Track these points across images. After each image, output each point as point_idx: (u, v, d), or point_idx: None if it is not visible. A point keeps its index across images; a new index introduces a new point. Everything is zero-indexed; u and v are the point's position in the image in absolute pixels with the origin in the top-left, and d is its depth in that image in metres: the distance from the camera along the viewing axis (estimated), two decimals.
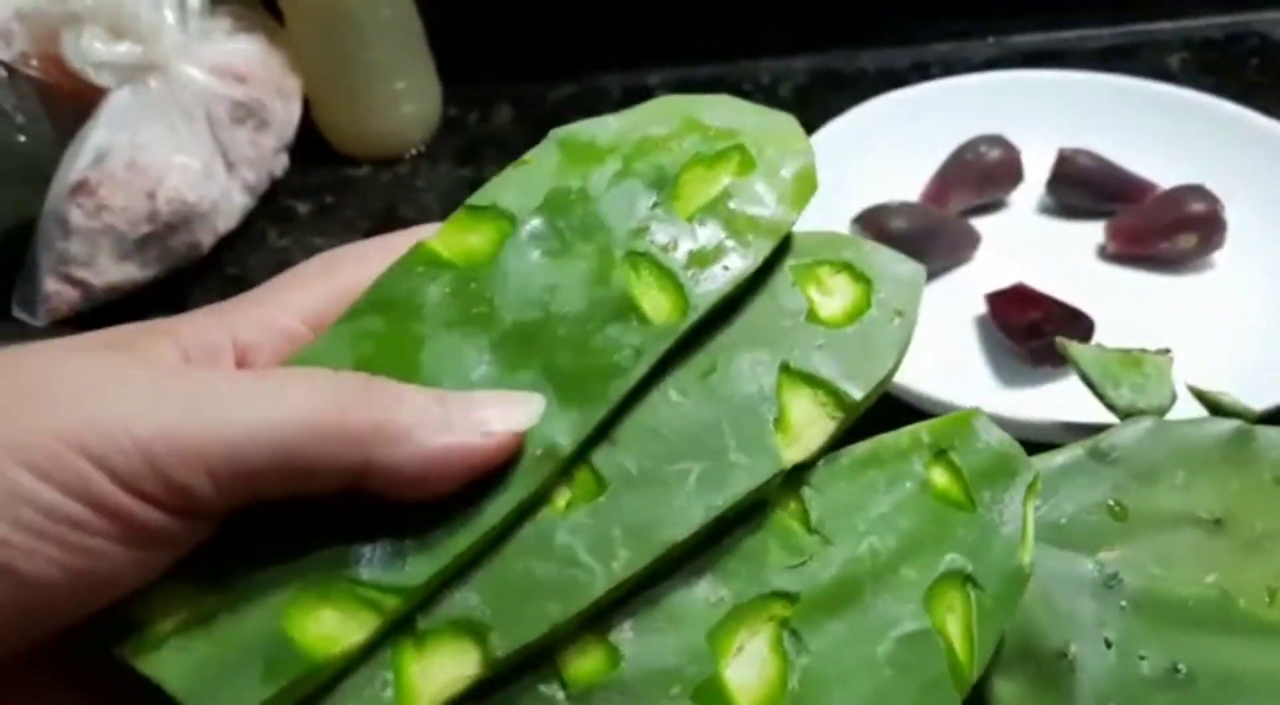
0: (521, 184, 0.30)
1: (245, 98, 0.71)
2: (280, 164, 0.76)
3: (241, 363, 0.27)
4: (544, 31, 0.86)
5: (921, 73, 0.82)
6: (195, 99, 0.69)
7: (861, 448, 0.31)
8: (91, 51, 0.65)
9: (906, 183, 0.68)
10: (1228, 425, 0.45)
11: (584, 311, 0.29)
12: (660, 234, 0.30)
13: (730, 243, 0.30)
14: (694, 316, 0.29)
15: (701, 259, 0.30)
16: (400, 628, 0.26)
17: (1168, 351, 0.48)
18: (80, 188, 0.64)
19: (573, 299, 0.29)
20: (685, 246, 0.30)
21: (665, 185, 0.31)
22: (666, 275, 0.29)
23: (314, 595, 0.25)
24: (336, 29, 0.75)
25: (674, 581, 0.28)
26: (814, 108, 0.76)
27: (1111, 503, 0.43)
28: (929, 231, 0.64)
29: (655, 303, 0.29)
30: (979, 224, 0.67)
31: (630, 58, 0.86)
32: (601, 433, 0.28)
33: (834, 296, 0.32)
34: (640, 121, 0.32)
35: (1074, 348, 0.48)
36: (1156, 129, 0.69)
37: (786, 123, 0.33)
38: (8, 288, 0.68)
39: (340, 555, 0.26)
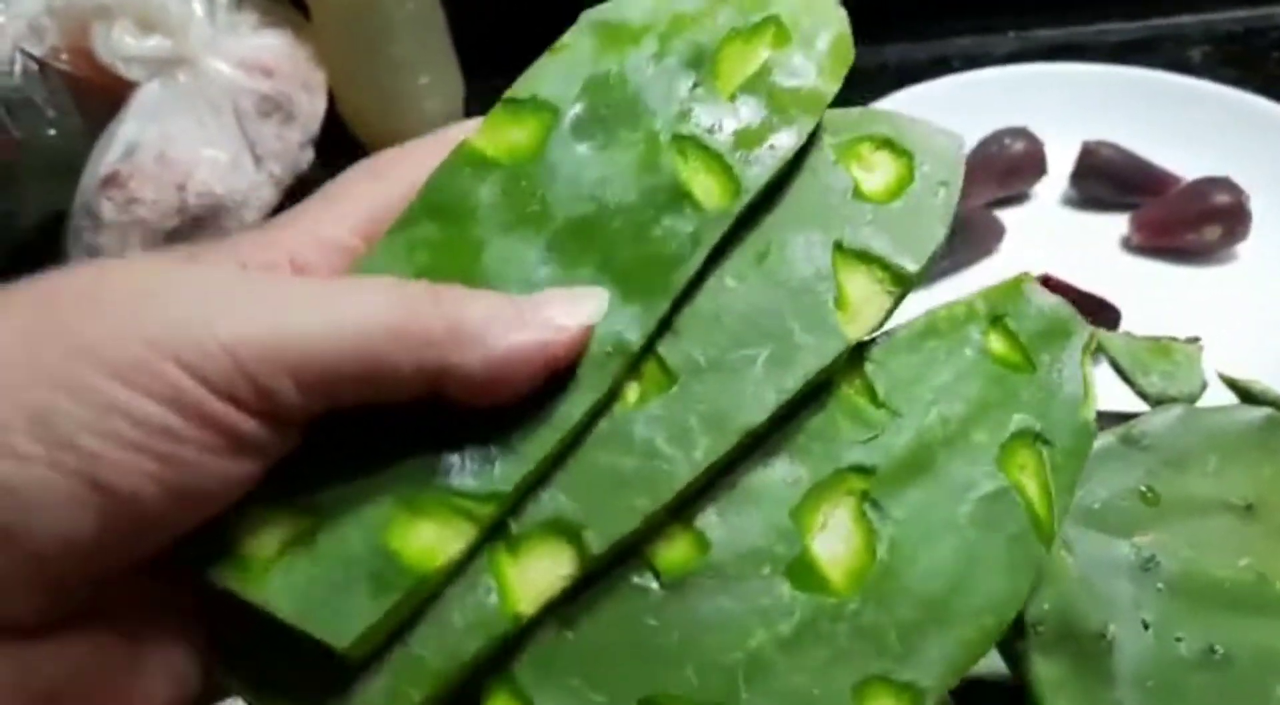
0: (559, 72, 0.30)
1: (272, 91, 0.72)
2: (306, 157, 0.77)
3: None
4: (565, 26, 0.86)
5: (943, 67, 0.82)
6: (223, 93, 0.69)
7: (919, 321, 0.30)
8: (121, 45, 0.65)
9: None
10: (1259, 412, 0.45)
11: (636, 202, 0.28)
12: (704, 115, 0.29)
13: (775, 119, 0.29)
14: (746, 198, 0.29)
15: (747, 138, 0.29)
16: (494, 533, 0.26)
17: (1197, 340, 0.49)
18: (111, 181, 0.64)
19: (624, 190, 0.28)
20: (730, 126, 0.29)
21: (704, 63, 0.30)
22: (714, 158, 0.29)
23: (410, 508, 0.25)
24: (361, 24, 0.75)
25: (751, 465, 0.28)
26: (835, 103, 0.76)
27: (1144, 489, 0.43)
28: (955, 223, 0.64)
29: (706, 187, 0.29)
30: (1003, 216, 0.67)
31: None
32: (665, 323, 0.28)
33: (877, 172, 0.31)
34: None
35: (1104, 336, 0.48)
36: (1180, 121, 0.70)
37: None
38: None
39: (429, 466, 0.26)
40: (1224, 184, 0.64)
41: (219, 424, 0.22)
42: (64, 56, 0.66)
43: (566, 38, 0.31)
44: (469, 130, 0.29)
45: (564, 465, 0.27)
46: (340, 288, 0.25)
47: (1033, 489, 0.29)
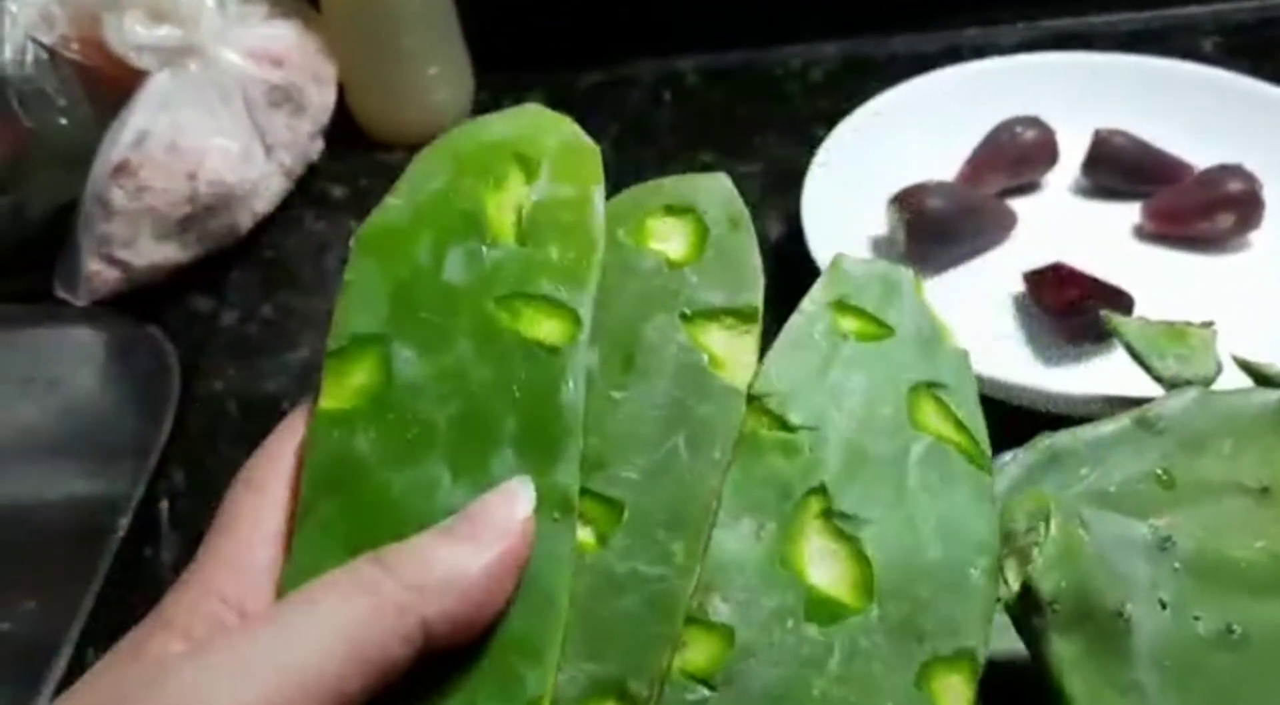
0: (361, 305, 0.30)
1: (282, 82, 0.72)
2: (316, 148, 0.77)
3: (241, 614, 0.27)
4: (575, 18, 0.86)
5: (952, 57, 0.82)
6: (233, 82, 0.69)
7: (780, 341, 0.32)
8: (132, 35, 0.65)
9: (942, 164, 0.68)
10: (1274, 395, 0.45)
11: (495, 375, 0.29)
12: (509, 270, 0.30)
13: (566, 243, 0.31)
14: (586, 323, 0.30)
15: (557, 270, 0.31)
16: None
17: (1211, 324, 0.48)
18: (121, 169, 0.64)
19: (479, 371, 0.29)
20: (538, 269, 0.31)
21: (481, 227, 0.31)
22: (543, 301, 0.30)
23: None
24: (371, 15, 0.75)
25: (721, 538, 0.29)
26: (845, 93, 0.76)
27: (1159, 472, 0.43)
28: (966, 211, 0.64)
29: (549, 329, 0.30)
30: (1015, 205, 0.67)
31: (661, 44, 0.86)
32: (586, 466, 0.29)
33: (672, 239, 0.33)
34: (417, 182, 0.32)
35: (1119, 320, 0.48)
36: (1192, 110, 0.69)
37: (531, 112, 0.34)
38: (50, 268, 0.69)
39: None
40: (1237, 172, 0.64)
41: None
42: (75, 46, 0.66)
43: (348, 272, 0.31)
44: (301, 418, 0.30)
45: (572, 637, 0.27)
46: (297, 609, 0.25)
47: (949, 430, 0.31)
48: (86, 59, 0.67)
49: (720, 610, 0.28)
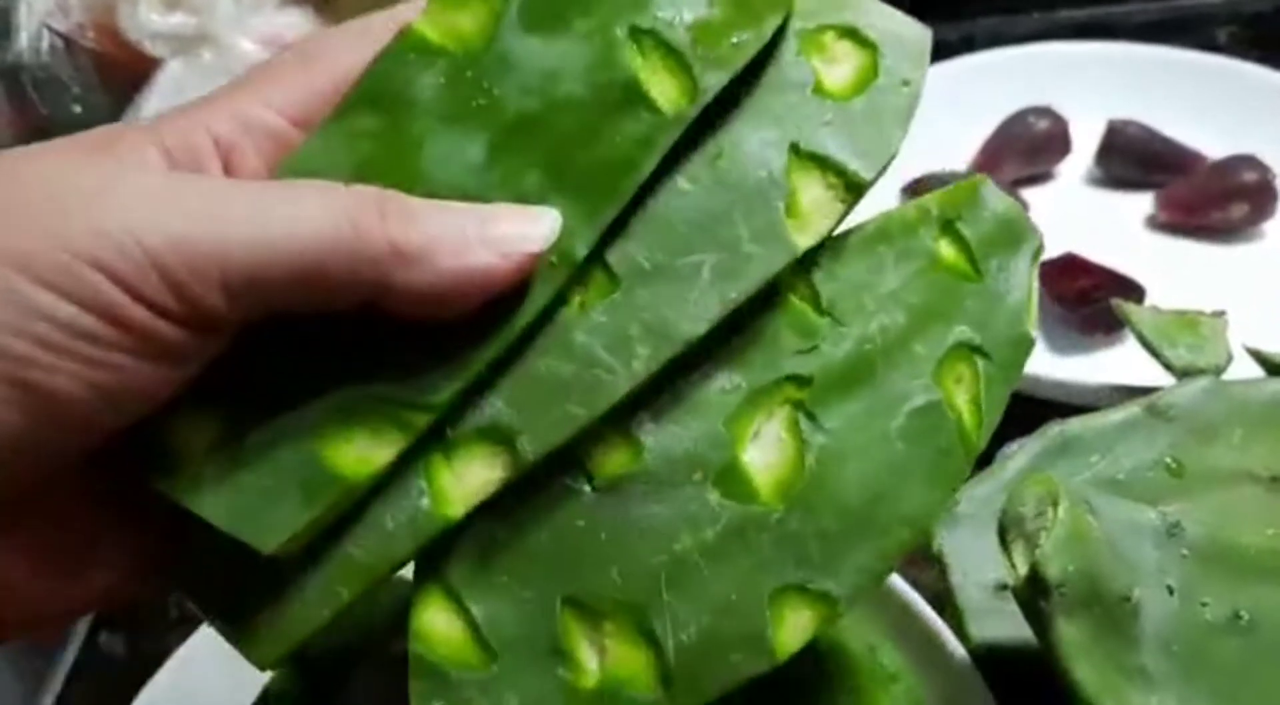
0: None
1: None
2: None
3: (226, 164, 0.26)
4: None
5: (967, 47, 0.81)
6: (246, 70, 0.69)
7: (871, 225, 0.30)
8: (147, 22, 0.66)
9: (955, 153, 0.68)
10: None
11: (589, 99, 0.27)
12: (664, 5, 0.28)
13: (738, 13, 0.28)
14: (703, 101, 0.27)
15: (709, 33, 0.28)
16: (431, 438, 0.26)
17: (1223, 314, 0.48)
18: None
19: (576, 86, 0.27)
20: (690, 18, 0.28)
21: None
22: (673, 54, 0.28)
23: (343, 416, 0.25)
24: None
25: (690, 372, 0.28)
26: None
27: (1169, 460, 0.43)
28: None
29: (663, 87, 0.27)
30: (1028, 195, 0.67)
31: None
32: (613, 229, 0.27)
33: (840, 64, 0.30)
34: None
35: (1131, 309, 0.48)
36: (1206, 100, 0.69)
37: None
38: None
39: (365, 374, 0.26)
40: (1251, 162, 0.63)
41: (141, 329, 0.23)
42: (89, 33, 0.67)
43: None
44: (411, 13, 0.28)
45: (504, 373, 0.26)
46: (279, 193, 0.24)
47: (964, 403, 0.29)
48: (101, 46, 0.67)
49: (646, 428, 0.27)
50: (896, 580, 0.40)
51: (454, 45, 0.28)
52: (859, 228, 0.30)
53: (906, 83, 0.30)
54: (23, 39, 0.66)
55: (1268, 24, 0.81)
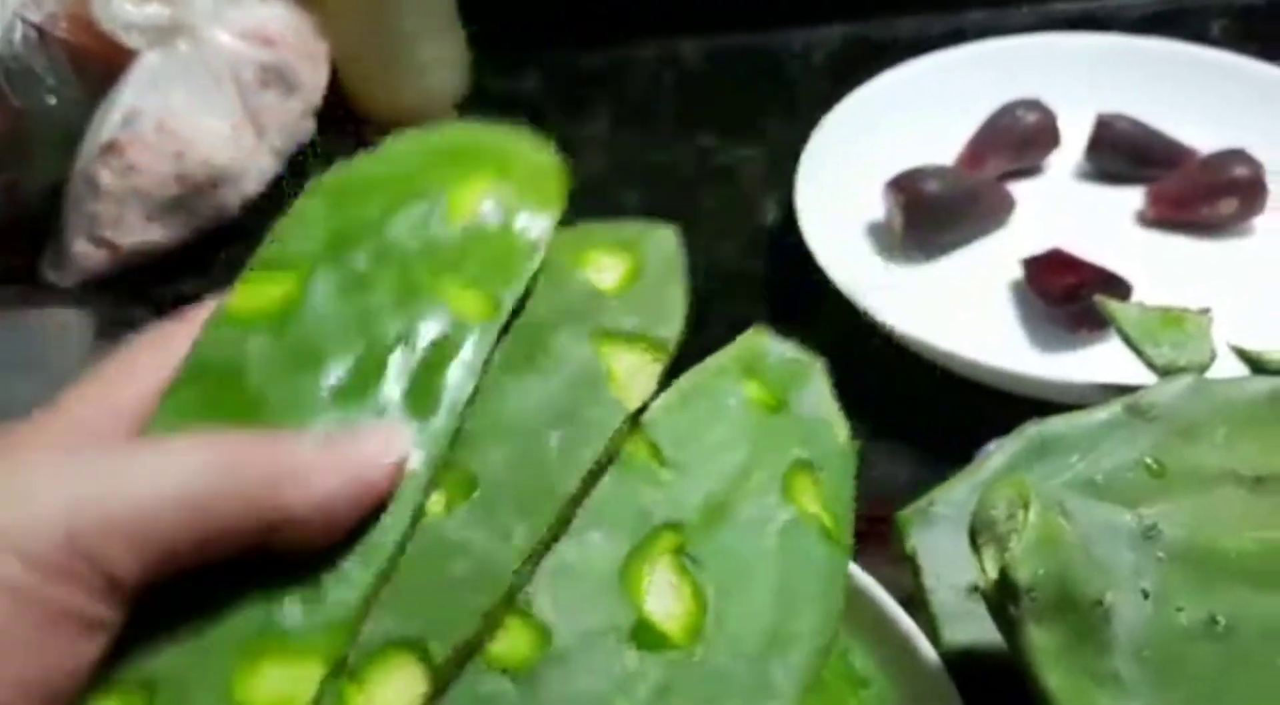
0: (300, 229, 0.31)
1: (273, 61, 0.71)
2: (307, 129, 0.76)
3: None
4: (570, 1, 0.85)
5: (957, 40, 0.80)
6: (224, 62, 0.68)
7: (684, 381, 0.33)
8: (122, 13, 0.65)
9: (942, 147, 0.67)
10: (1269, 382, 0.44)
11: (403, 328, 0.29)
12: (450, 247, 0.31)
13: (509, 243, 0.32)
14: (504, 313, 0.30)
15: (492, 262, 0.31)
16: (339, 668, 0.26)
17: (1207, 311, 0.47)
18: (110, 149, 0.64)
19: (390, 317, 0.29)
20: (476, 254, 0.31)
21: (439, 203, 0.32)
22: (469, 281, 0.31)
23: (251, 655, 0.25)
24: None
25: (569, 543, 0.29)
26: (848, 76, 0.75)
27: (1150, 460, 0.42)
28: (964, 196, 0.63)
29: (468, 306, 0.30)
30: (1015, 189, 0.66)
31: (662, 26, 0.85)
32: (458, 431, 0.29)
33: (607, 271, 0.33)
34: (390, 154, 0.33)
35: (1114, 306, 0.47)
36: (1197, 94, 0.68)
37: (516, 130, 0.35)
38: (41, 249, 0.68)
39: (263, 609, 0.25)
40: (1241, 157, 0.62)
41: (59, 608, 0.22)
42: (63, 24, 0.66)
43: (296, 203, 0.32)
44: (203, 312, 0.29)
45: (392, 586, 0.27)
46: (164, 447, 0.25)
47: (818, 509, 0.32)
48: (75, 38, 0.66)
49: (545, 608, 0.28)
50: (868, 582, 0.39)
51: (270, 310, 0.29)
52: (674, 387, 0.32)
53: (670, 269, 0.34)
54: None
55: (1260, 17, 0.80)
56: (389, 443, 0.27)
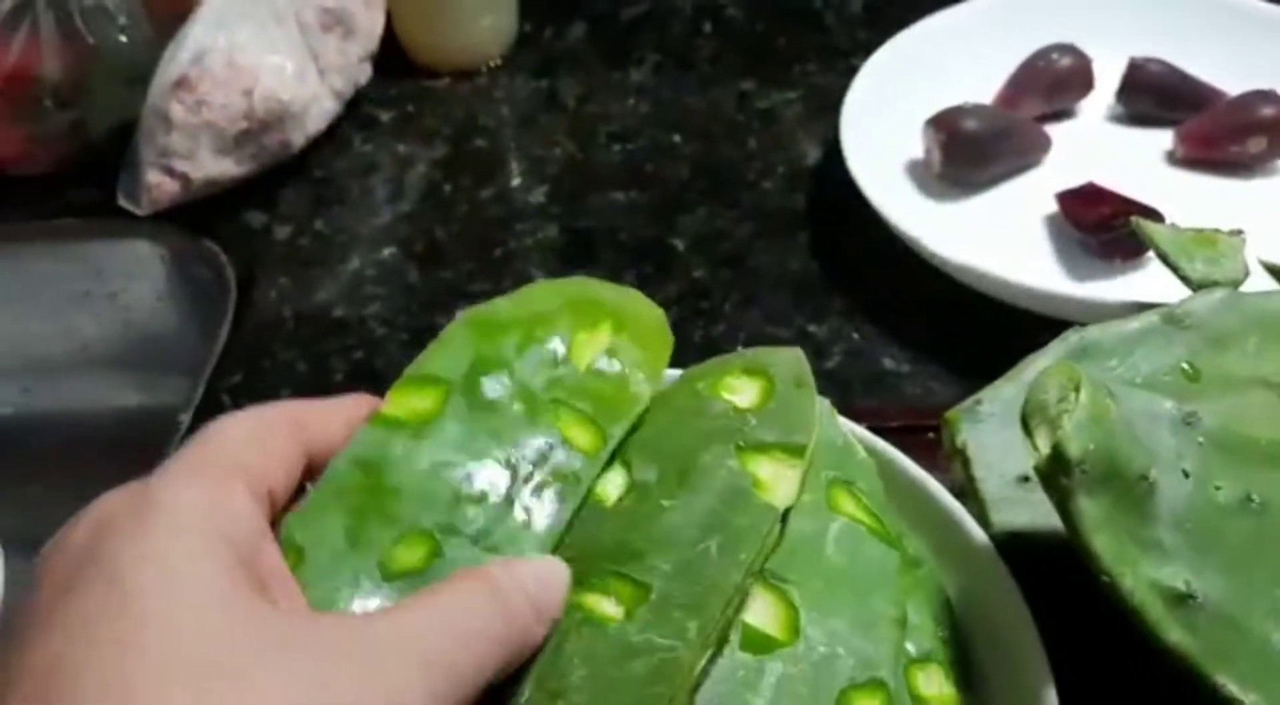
0: (446, 355, 0.36)
1: (333, 5, 0.74)
2: (364, 72, 0.79)
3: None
4: None
5: None
6: (287, 4, 0.71)
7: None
8: None
9: (980, 88, 0.69)
10: None
11: (523, 450, 0.35)
12: (570, 383, 0.37)
13: (622, 388, 0.38)
14: (610, 447, 0.36)
15: (607, 402, 0.37)
16: None
17: (1240, 232, 0.50)
18: (181, 84, 0.66)
19: (514, 444, 0.35)
20: (593, 393, 0.37)
21: (564, 347, 0.37)
22: (584, 416, 0.36)
23: None
24: None
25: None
26: (884, 24, 0.77)
27: (1185, 365, 0.44)
28: (1001, 133, 0.66)
29: (582, 438, 0.36)
30: (1050, 130, 0.68)
31: None
32: (626, 551, 0.34)
33: (743, 392, 0.38)
34: (525, 298, 0.39)
35: (1149, 226, 0.50)
36: (1225, 38, 0.70)
37: (636, 295, 0.41)
38: (109, 183, 0.71)
39: None
40: (1269, 97, 0.65)
41: None
42: None
43: (446, 330, 0.37)
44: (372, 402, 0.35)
45: (582, 690, 0.31)
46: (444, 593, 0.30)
47: (861, 514, 0.37)
48: None
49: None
50: (921, 474, 0.42)
51: (412, 419, 0.34)
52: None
53: (799, 383, 0.38)
54: None
55: None
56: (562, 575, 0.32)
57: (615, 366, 0.38)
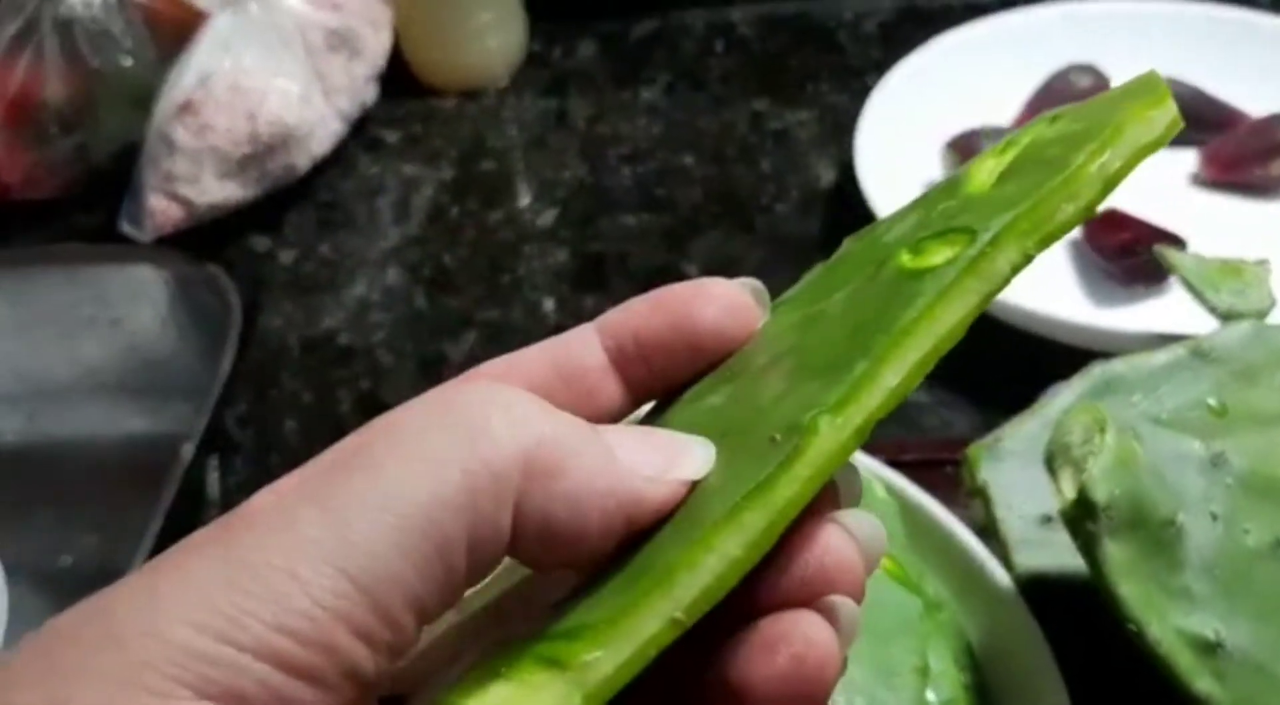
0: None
1: (339, 26, 0.73)
2: (370, 93, 0.78)
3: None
4: None
5: (1007, 9, 0.82)
6: (293, 25, 0.70)
7: None
8: None
9: (998, 109, 0.68)
10: None
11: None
12: None
13: None
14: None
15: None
16: None
17: (1265, 261, 0.48)
18: (185, 108, 0.65)
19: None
20: None
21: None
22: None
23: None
24: None
25: None
26: (898, 44, 0.76)
27: (1211, 401, 0.43)
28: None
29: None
30: None
31: None
32: None
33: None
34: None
35: (1174, 255, 0.49)
36: (1247, 59, 0.69)
37: None
38: (114, 207, 0.70)
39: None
40: None
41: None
42: None
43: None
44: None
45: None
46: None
47: (882, 559, 0.31)
48: (150, 1, 0.68)
49: None
50: (942, 512, 0.40)
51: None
52: None
53: None
54: None
55: None
56: (673, 457, 0.23)
57: None
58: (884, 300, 0.24)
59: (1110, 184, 0.24)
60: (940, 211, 0.26)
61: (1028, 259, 0.23)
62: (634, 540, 0.22)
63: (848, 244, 0.28)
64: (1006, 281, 0.23)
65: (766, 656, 0.21)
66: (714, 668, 0.21)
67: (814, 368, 0.23)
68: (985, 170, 0.27)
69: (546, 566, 0.22)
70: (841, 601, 0.22)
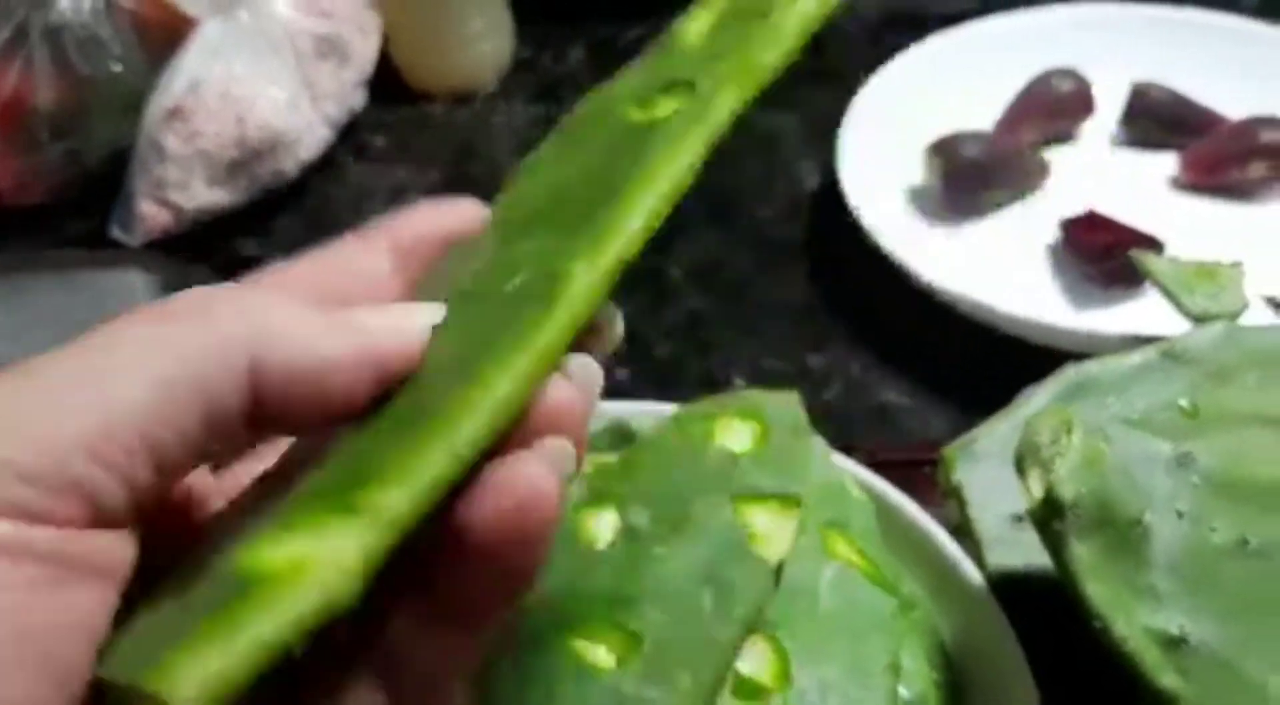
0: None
1: (328, 32, 0.73)
2: (359, 98, 0.78)
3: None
4: None
5: (989, 14, 0.82)
6: (282, 32, 0.71)
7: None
8: None
9: (980, 113, 0.69)
10: None
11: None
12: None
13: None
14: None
15: None
16: None
17: (1239, 264, 0.49)
18: (175, 114, 0.66)
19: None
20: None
21: None
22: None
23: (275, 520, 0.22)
24: None
25: None
26: (882, 47, 0.77)
27: (1183, 402, 0.44)
28: (1000, 161, 0.65)
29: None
30: (1051, 155, 0.68)
31: None
32: (623, 600, 0.33)
33: (736, 436, 0.37)
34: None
35: (1149, 259, 0.49)
36: (1227, 62, 0.70)
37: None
38: (104, 213, 0.71)
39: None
40: (1271, 122, 0.64)
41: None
42: None
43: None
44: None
45: None
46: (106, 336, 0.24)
47: (856, 557, 0.37)
48: (139, 6, 0.69)
49: None
50: (916, 510, 0.41)
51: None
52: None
53: (796, 431, 0.38)
54: (64, 0, 0.68)
55: None
56: (413, 312, 0.25)
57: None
58: (619, 154, 0.27)
59: (808, 27, 0.29)
60: (662, 67, 0.30)
61: (745, 103, 0.28)
62: (389, 400, 0.24)
63: (582, 105, 0.31)
64: (726, 126, 0.27)
65: (485, 497, 0.22)
66: (443, 515, 0.22)
67: (561, 223, 0.26)
68: (698, 24, 0.31)
69: (304, 423, 0.24)
70: (556, 442, 0.23)
